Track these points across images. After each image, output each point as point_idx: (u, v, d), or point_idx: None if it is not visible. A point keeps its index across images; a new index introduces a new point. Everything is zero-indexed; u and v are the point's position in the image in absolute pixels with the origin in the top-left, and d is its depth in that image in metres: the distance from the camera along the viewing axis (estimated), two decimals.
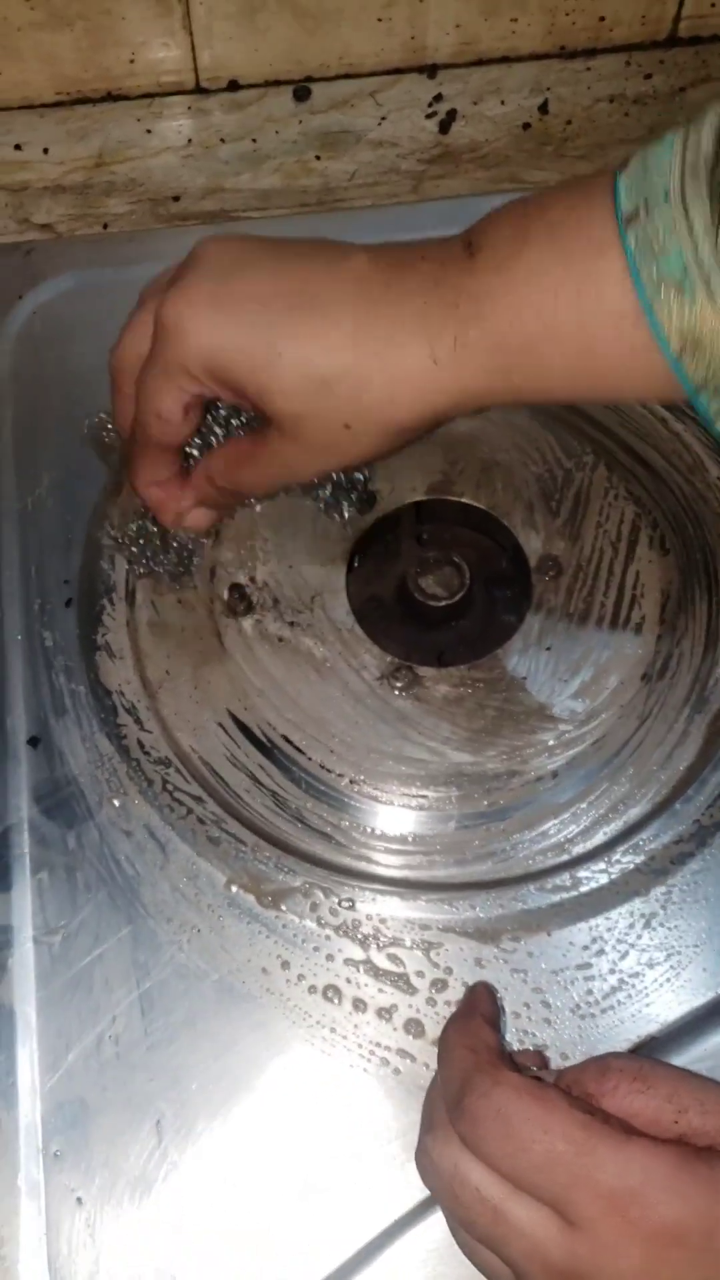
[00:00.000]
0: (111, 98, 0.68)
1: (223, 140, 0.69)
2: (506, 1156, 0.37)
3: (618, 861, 0.52)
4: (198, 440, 0.51)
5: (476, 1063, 0.40)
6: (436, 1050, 0.44)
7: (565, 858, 0.53)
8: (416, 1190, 0.47)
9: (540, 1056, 0.48)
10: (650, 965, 0.51)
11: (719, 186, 0.36)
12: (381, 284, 0.42)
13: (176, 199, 0.68)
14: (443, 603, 0.58)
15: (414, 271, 0.42)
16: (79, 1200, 0.46)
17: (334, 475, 0.56)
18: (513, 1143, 0.37)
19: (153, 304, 0.46)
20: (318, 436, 0.44)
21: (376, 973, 0.50)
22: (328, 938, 0.51)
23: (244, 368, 0.43)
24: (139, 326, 0.47)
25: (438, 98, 0.71)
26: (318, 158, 0.70)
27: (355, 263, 0.43)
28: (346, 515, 0.58)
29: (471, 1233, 0.39)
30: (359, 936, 0.51)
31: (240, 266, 0.44)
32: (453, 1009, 0.48)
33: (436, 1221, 0.46)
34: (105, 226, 0.67)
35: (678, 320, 0.37)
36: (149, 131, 0.68)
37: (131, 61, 0.67)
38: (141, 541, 0.56)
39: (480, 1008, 0.45)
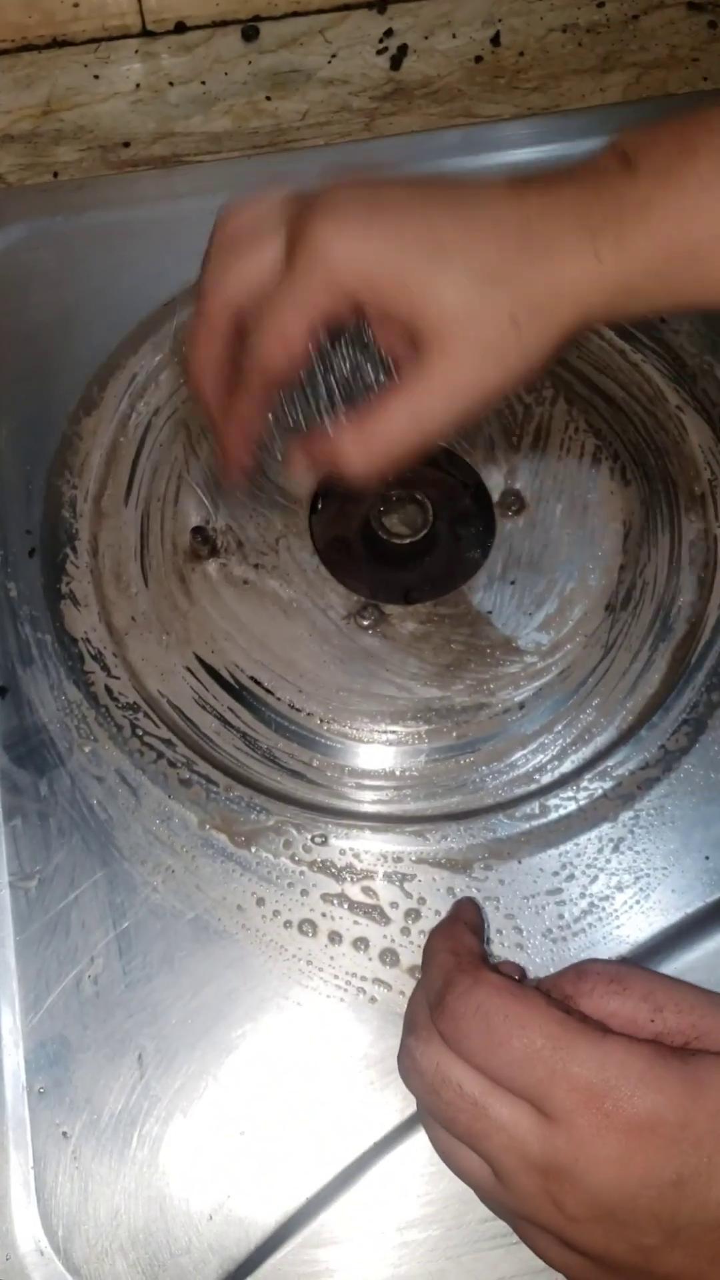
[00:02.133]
0: (57, 44, 0.67)
1: (171, 84, 0.68)
2: (486, 1052, 0.38)
3: (585, 788, 0.53)
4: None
5: (458, 964, 0.41)
6: (413, 977, 0.45)
7: (534, 786, 0.54)
8: (396, 1114, 0.48)
9: (520, 969, 0.49)
10: (619, 888, 0.52)
11: None
12: (537, 193, 0.42)
13: (126, 145, 0.67)
14: (407, 541, 0.58)
15: (569, 183, 0.42)
16: (64, 1134, 0.47)
17: None
18: (492, 1039, 0.38)
19: (268, 235, 0.44)
20: (477, 333, 0.42)
21: (351, 905, 0.51)
22: (302, 874, 0.51)
23: (406, 271, 0.42)
24: (258, 253, 0.44)
25: (388, 33, 0.70)
26: (268, 98, 0.69)
27: (501, 183, 0.43)
28: None
29: (452, 1130, 0.40)
30: (333, 871, 0.51)
31: (384, 189, 0.43)
32: (426, 939, 0.48)
33: (416, 1143, 0.47)
34: (55, 175, 0.66)
35: None
36: (96, 77, 0.68)
37: (76, 6, 0.66)
38: None
39: (464, 916, 0.46)
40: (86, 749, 0.53)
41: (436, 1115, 0.40)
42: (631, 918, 0.51)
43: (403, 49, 0.70)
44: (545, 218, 0.42)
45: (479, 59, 0.71)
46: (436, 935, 0.44)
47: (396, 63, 0.70)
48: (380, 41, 0.70)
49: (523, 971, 0.49)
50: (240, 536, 0.57)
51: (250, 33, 0.69)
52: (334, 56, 0.70)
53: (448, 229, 0.42)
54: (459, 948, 0.42)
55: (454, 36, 0.71)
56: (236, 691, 0.55)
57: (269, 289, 0.43)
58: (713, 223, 0.40)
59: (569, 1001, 0.40)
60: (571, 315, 0.42)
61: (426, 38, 0.70)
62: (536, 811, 0.53)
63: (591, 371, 0.61)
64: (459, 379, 0.43)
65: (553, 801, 0.53)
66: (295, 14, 0.69)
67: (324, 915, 0.51)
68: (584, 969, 0.41)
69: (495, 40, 0.71)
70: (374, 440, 0.44)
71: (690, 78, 0.73)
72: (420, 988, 0.42)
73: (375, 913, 0.51)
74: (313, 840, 0.52)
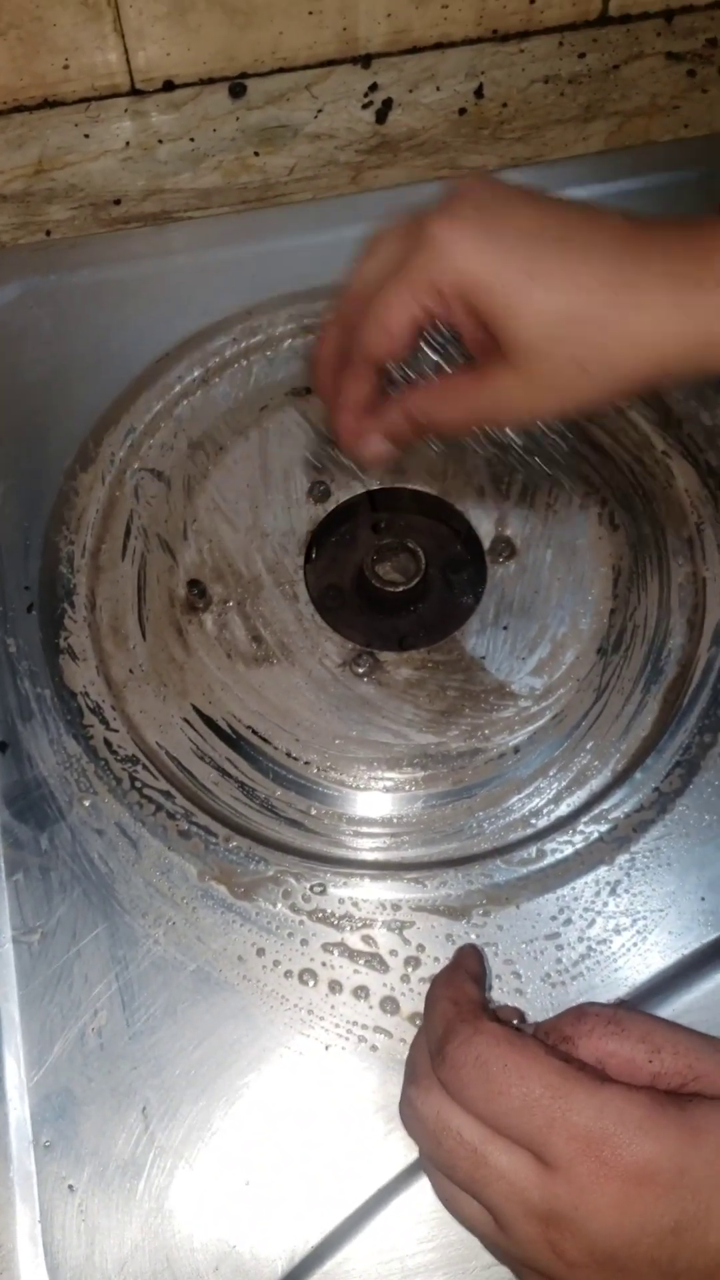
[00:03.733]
0: (48, 104, 0.69)
1: (161, 141, 0.70)
2: (486, 1101, 0.38)
3: (581, 832, 0.54)
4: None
5: (459, 1013, 0.41)
6: (414, 1024, 0.45)
7: (530, 831, 0.54)
8: (399, 1161, 0.48)
9: (519, 1013, 0.50)
10: (617, 931, 0.52)
11: None
12: (636, 235, 0.44)
13: (118, 202, 0.68)
14: (400, 589, 0.59)
15: (668, 228, 0.44)
16: (70, 1188, 0.47)
17: None
18: (492, 1088, 0.38)
19: (397, 235, 0.47)
20: (550, 369, 0.44)
21: (351, 954, 0.51)
22: (301, 923, 0.52)
23: (499, 290, 0.44)
24: (386, 251, 0.47)
25: (373, 87, 0.71)
26: (256, 154, 0.70)
27: (613, 218, 0.45)
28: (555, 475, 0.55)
29: (453, 1178, 0.40)
30: (332, 920, 0.52)
31: (507, 202, 0.45)
32: (426, 985, 0.49)
33: (420, 1190, 0.47)
34: (48, 234, 0.67)
35: None
36: (87, 136, 0.69)
37: (66, 67, 0.67)
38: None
39: (466, 964, 0.46)
40: (86, 802, 0.53)
41: (438, 1163, 0.41)
42: (629, 960, 0.52)
43: (388, 103, 0.71)
44: (636, 261, 0.43)
45: (463, 111, 0.72)
46: (438, 984, 0.44)
47: (382, 116, 0.72)
48: (365, 96, 0.71)
49: (522, 1015, 0.50)
50: (235, 588, 0.58)
51: (238, 89, 0.70)
52: (320, 111, 0.71)
53: (548, 259, 0.43)
54: (460, 996, 0.43)
55: (438, 89, 0.72)
56: (234, 741, 0.55)
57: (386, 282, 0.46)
58: None
59: (568, 1043, 0.40)
60: (644, 366, 0.44)
61: (411, 91, 0.72)
62: (533, 856, 0.53)
63: (578, 417, 0.62)
64: (524, 396, 0.46)
65: (549, 845, 0.54)
66: (281, 70, 0.70)
67: (324, 964, 0.51)
68: (583, 1011, 0.41)
69: (479, 92, 0.72)
70: (456, 407, 0.48)
71: (671, 125, 0.74)
72: (421, 1035, 0.43)
73: (375, 961, 0.51)
74: (311, 890, 0.52)
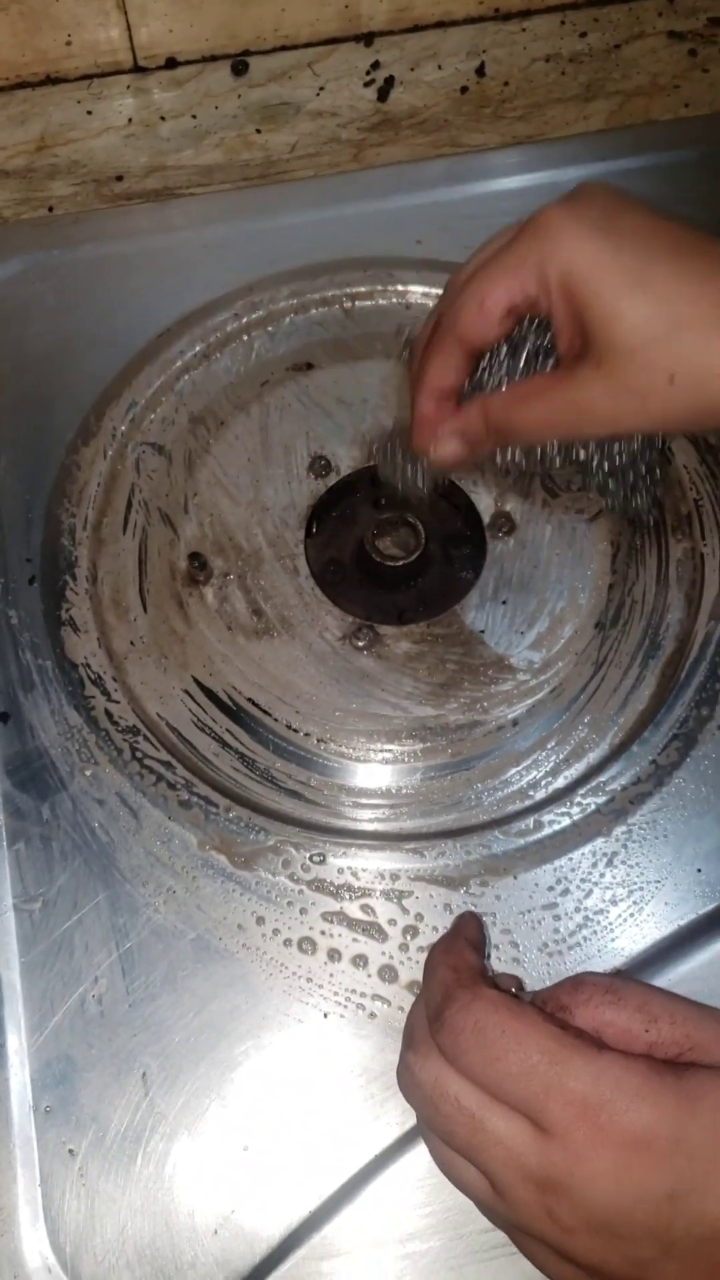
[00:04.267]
0: (50, 80, 0.69)
1: (163, 118, 0.70)
2: (484, 1067, 0.38)
3: (579, 803, 0.54)
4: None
5: (457, 979, 0.41)
6: (412, 993, 0.45)
7: (528, 803, 0.55)
8: (396, 1127, 0.49)
9: (518, 980, 0.50)
10: (614, 902, 0.52)
11: None
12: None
13: (120, 179, 0.68)
14: (400, 563, 0.59)
15: None
16: (71, 1152, 0.48)
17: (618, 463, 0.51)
18: (489, 1053, 0.38)
19: (514, 228, 0.46)
20: (637, 382, 0.44)
21: (349, 923, 0.52)
22: (300, 892, 0.52)
23: (607, 286, 0.43)
24: (499, 240, 0.47)
25: (375, 65, 0.72)
26: (258, 131, 0.71)
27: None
28: (637, 506, 0.53)
29: (451, 1143, 0.40)
30: (331, 889, 0.52)
31: (625, 207, 0.45)
32: (425, 954, 0.49)
33: (417, 1156, 0.48)
34: (50, 209, 0.67)
35: None
36: (89, 113, 0.69)
37: (68, 44, 0.67)
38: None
39: (465, 931, 0.46)
40: (87, 773, 0.54)
41: (435, 1128, 0.41)
42: (626, 931, 0.52)
43: (389, 81, 0.72)
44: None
45: (464, 89, 0.72)
46: (437, 950, 0.44)
47: (384, 94, 0.72)
48: (367, 74, 0.71)
49: (520, 983, 0.50)
50: (236, 561, 0.58)
51: (240, 67, 0.70)
52: (322, 89, 0.71)
53: (661, 265, 0.43)
54: (459, 963, 0.43)
55: (440, 68, 0.72)
56: (234, 713, 0.56)
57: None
58: None
59: (565, 1012, 0.41)
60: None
61: (413, 69, 0.72)
62: (531, 827, 0.54)
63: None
64: (607, 404, 0.45)
65: (547, 817, 0.54)
66: (284, 48, 0.71)
67: (323, 933, 0.52)
68: (580, 980, 0.42)
69: (480, 71, 0.72)
70: (536, 409, 0.46)
71: (672, 104, 0.74)
72: (419, 1002, 0.43)
73: (373, 930, 0.52)
74: (311, 859, 0.53)
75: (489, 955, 0.51)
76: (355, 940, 0.51)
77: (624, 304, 0.43)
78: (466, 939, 0.45)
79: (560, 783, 0.55)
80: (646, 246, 0.44)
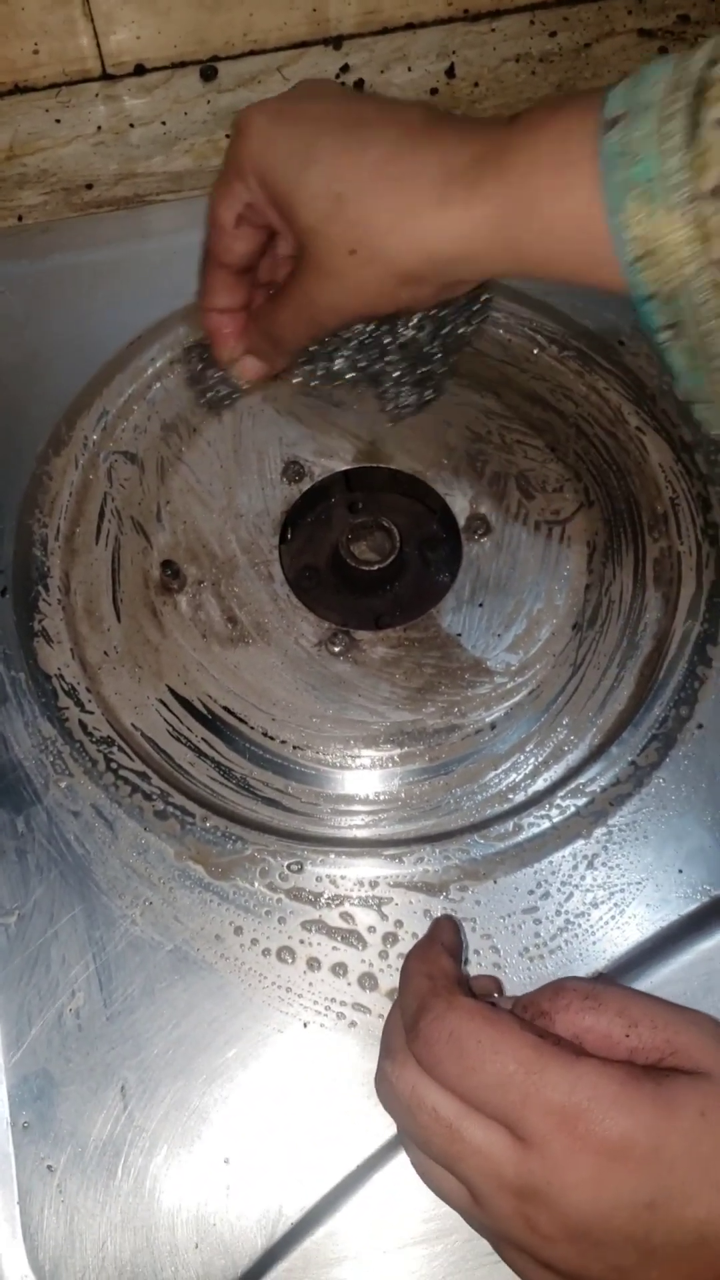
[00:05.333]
0: (19, 89, 0.69)
1: (132, 125, 0.69)
2: (460, 1077, 0.38)
3: (558, 806, 0.54)
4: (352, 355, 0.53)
5: (433, 988, 0.41)
6: (392, 1000, 0.45)
7: (507, 806, 0.54)
8: (377, 1137, 0.48)
9: (496, 983, 0.50)
10: (594, 905, 0.52)
11: (696, 106, 0.37)
12: (423, 129, 0.44)
13: (89, 186, 0.68)
14: (375, 567, 0.59)
15: (457, 127, 0.44)
16: (49, 1168, 0.47)
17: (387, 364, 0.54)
18: (466, 1063, 0.38)
19: None
20: (329, 260, 0.45)
21: (328, 931, 0.51)
22: (279, 901, 0.52)
23: (282, 174, 0.45)
24: None
25: (345, 68, 0.71)
26: (228, 136, 0.70)
27: (413, 111, 0.45)
28: (402, 402, 0.56)
29: (429, 1153, 0.40)
30: (309, 898, 0.52)
31: (317, 95, 0.47)
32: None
33: (399, 1165, 0.47)
34: (20, 219, 0.67)
35: (637, 228, 0.39)
36: (58, 121, 0.69)
37: (35, 52, 0.67)
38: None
39: (441, 937, 0.46)
40: (62, 784, 0.53)
41: (413, 1138, 0.41)
42: (607, 933, 0.52)
43: (359, 83, 0.71)
44: (414, 156, 0.43)
45: (434, 91, 0.72)
46: (412, 958, 0.44)
47: None
48: (337, 77, 0.71)
49: (500, 985, 0.50)
50: (210, 568, 0.58)
51: (209, 73, 0.70)
52: None
53: (328, 143, 0.44)
54: (434, 971, 0.43)
55: (409, 70, 0.72)
56: (210, 722, 0.55)
57: None
58: (556, 169, 0.41)
59: (545, 1018, 0.40)
60: (411, 253, 0.44)
61: (382, 72, 0.72)
62: (510, 831, 0.53)
63: (551, 395, 0.62)
64: (322, 291, 0.46)
65: (526, 820, 0.54)
66: (252, 53, 0.70)
67: (302, 942, 0.51)
68: (560, 986, 0.41)
69: (450, 72, 0.72)
70: (283, 311, 0.49)
71: None
72: (396, 1010, 0.43)
73: (353, 938, 0.51)
74: (289, 868, 0.52)
75: (466, 960, 0.51)
76: (334, 948, 0.51)
77: (296, 187, 0.45)
78: (443, 944, 0.45)
79: (539, 785, 0.55)
80: (316, 126, 0.45)
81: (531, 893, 0.52)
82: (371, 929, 0.52)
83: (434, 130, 0.44)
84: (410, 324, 0.51)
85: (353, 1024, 0.50)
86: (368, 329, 0.52)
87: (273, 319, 0.50)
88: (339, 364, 0.53)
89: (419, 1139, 0.40)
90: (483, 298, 0.53)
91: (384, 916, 0.52)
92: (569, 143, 0.40)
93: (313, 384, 0.55)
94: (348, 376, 0.54)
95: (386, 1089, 0.41)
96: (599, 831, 0.53)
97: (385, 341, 0.52)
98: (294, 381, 0.55)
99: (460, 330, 0.53)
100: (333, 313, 0.48)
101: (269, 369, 0.54)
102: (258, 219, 0.48)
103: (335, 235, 0.44)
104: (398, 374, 0.54)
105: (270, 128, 0.45)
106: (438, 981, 0.42)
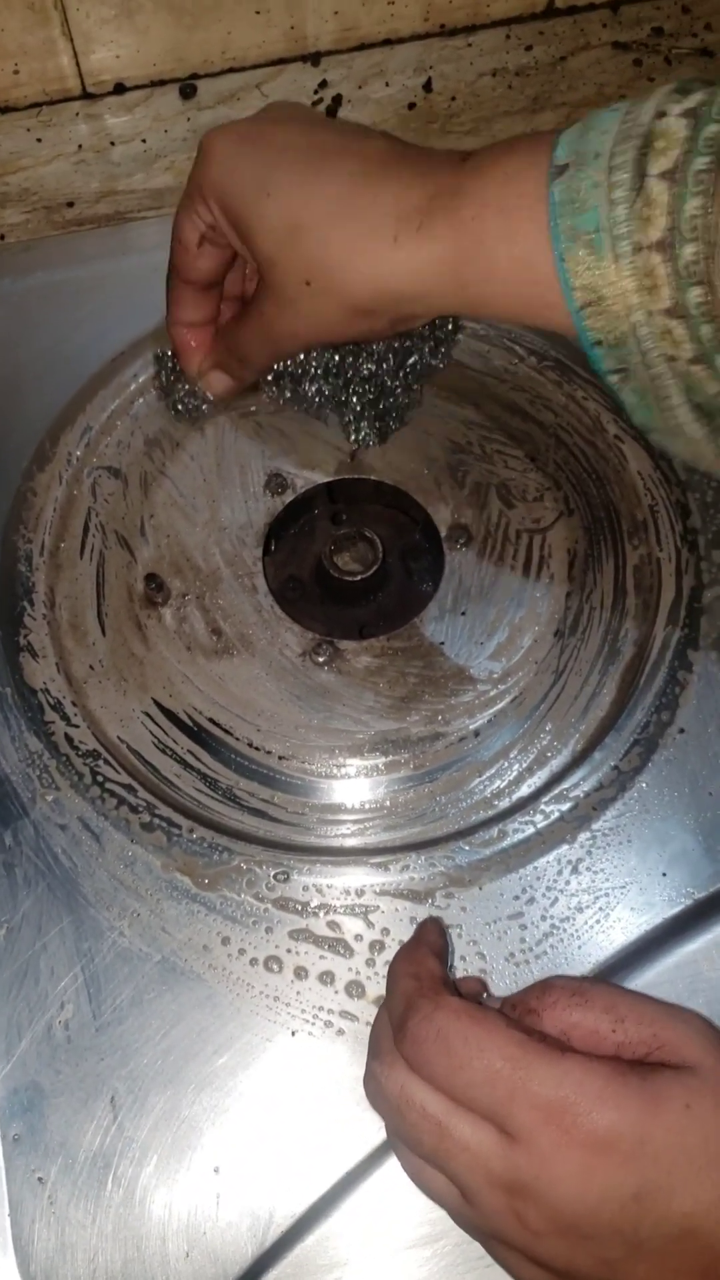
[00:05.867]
0: (0, 110, 0.69)
1: (113, 143, 0.70)
2: (448, 1075, 0.39)
3: (543, 811, 0.54)
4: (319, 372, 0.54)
5: (419, 989, 0.42)
6: (379, 1006, 0.45)
7: (492, 812, 0.55)
8: (367, 1144, 0.48)
9: (482, 983, 0.50)
10: (579, 909, 0.52)
11: (642, 157, 0.38)
12: (382, 165, 0.44)
13: (71, 205, 0.68)
14: (359, 577, 0.59)
15: (414, 162, 0.45)
16: (40, 1180, 0.48)
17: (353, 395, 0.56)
18: (453, 1061, 0.39)
19: None
20: (286, 289, 0.46)
21: (315, 940, 0.52)
22: (266, 911, 0.52)
23: (242, 202, 0.45)
24: None
25: (323, 84, 0.72)
26: None
27: (374, 144, 0.46)
28: (362, 435, 0.58)
29: (418, 1151, 0.41)
30: (296, 907, 0.52)
31: (281, 120, 0.47)
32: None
33: (388, 1171, 0.48)
34: (2, 238, 0.68)
35: (585, 276, 0.39)
36: (39, 140, 0.69)
37: (16, 72, 0.68)
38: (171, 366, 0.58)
39: (427, 939, 0.47)
40: (49, 798, 0.54)
41: (402, 1137, 0.41)
42: (593, 938, 0.52)
43: (337, 99, 0.72)
44: (371, 189, 0.44)
45: (412, 105, 0.73)
46: (399, 960, 0.45)
47: (332, 113, 0.72)
48: (315, 93, 0.72)
49: (485, 986, 0.50)
50: (194, 581, 0.58)
51: (188, 90, 0.71)
52: None
53: (287, 173, 0.45)
54: (420, 972, 0.43)
55: (387, 85, 0.72)
56: (195, 734, 0.56)
57: None
58: (504, 213, 0.41)
59: (533, 1016, 0.41)
60: (364, 287, 0.44)
61: (360, 87, 0.72)
62: (495, 837, 0.54)
63: (530, 405, 0.63)
64: (278, 317, 0.47)
65: (511, 826, 0.54)
66: (231, 70, 0.71)
67: (289, 951, 0.52)
68: (548, 983, 0.42)
69: (427, 86, 0.73)
70: (245, 331, 0.50)
71: None
72: (384, 1011, 0.43)
73: (340, 946, 0.52)
74: (275, 878, 0.53)
75: (452, 966, 0.51)
76: (322, 957, 0.51)
77: (254, 217, 0.45)
78: (429, 946, 0.46)
79: (524, 791, 0.55)
80: (278, 155, 0.45)
81: (517, 898, 0.53)
82: (358, 937, 0.52)
83: (392, 165, 0.44)
84: (373, 356, 0.52)
85: (340, 1032, 0.50)
86: (333, 357, 0.52)
87: (236, 337, 0.51)
88: (310, 389, 0.55)
89: (408, 1138, 0.41)
90: (449, 328, 0.54)
91: (371, 925, 0.52)
92: (519, 186, 0.41)
93: (280, 403, 0.56)
94: (315, 401, 0.55)
95: (375, 1089, 0.42)
96: (583, 836, 0.54)
97: (349, 374, 0.53)
98: (264, 399, 0.56)
99: (430, 362, 0.54)
100: (290, 339, 0.49)
101: (235, 384, 0.55)
102: (220, 239, 0.49)
103: (292, 265, 0.45)
104: (360, 406, 0.55)
105: (232, 155, 0.46)
106: (424, 982, 0.42)
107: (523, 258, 0.41)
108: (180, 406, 0.59)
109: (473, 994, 0.47)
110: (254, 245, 0.46)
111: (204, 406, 0.59)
